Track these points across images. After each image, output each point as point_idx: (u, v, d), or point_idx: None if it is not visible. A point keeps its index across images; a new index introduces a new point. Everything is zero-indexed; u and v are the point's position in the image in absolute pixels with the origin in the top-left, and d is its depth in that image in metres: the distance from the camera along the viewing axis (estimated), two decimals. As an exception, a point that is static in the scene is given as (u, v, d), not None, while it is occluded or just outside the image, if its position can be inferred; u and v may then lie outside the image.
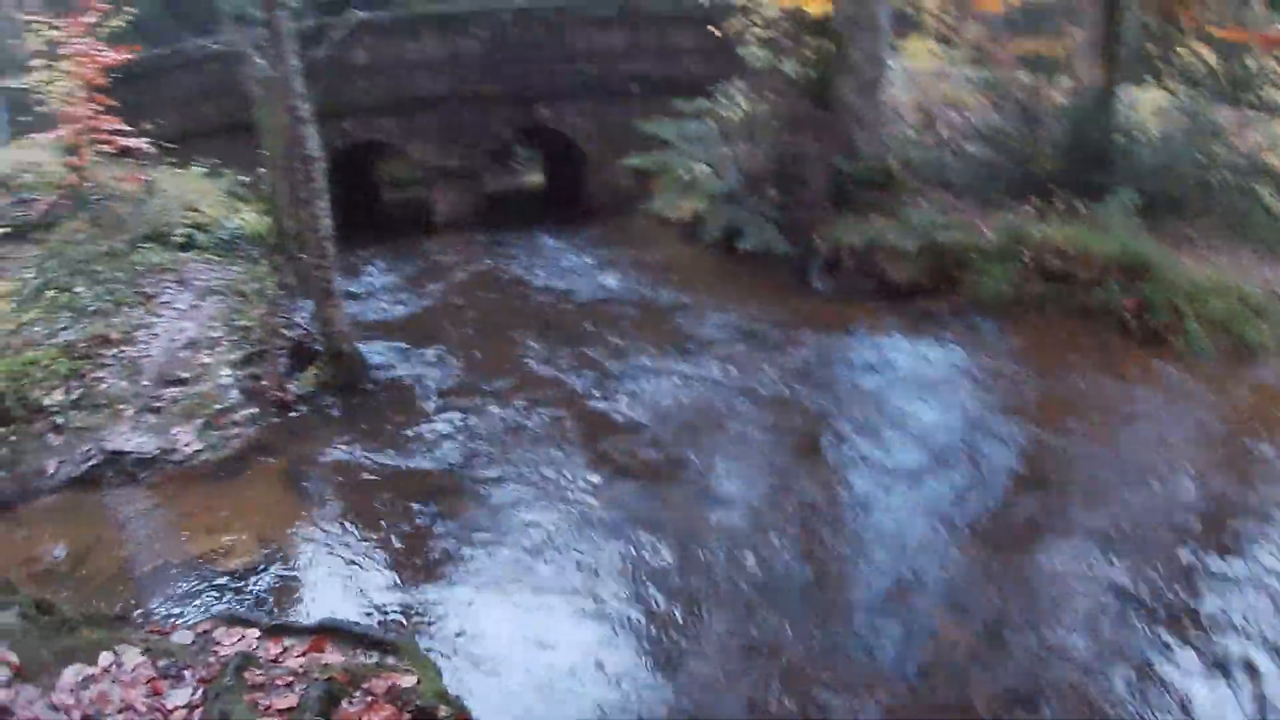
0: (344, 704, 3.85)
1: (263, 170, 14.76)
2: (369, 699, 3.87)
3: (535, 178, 25.50)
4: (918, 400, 8.51)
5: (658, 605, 5.71)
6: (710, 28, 16.10)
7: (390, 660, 4.31)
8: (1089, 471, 7.21)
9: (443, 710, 3.74)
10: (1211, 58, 16.85)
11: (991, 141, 13.40)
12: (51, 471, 8.14)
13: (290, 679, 4.10)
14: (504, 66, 18.37)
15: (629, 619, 5.59)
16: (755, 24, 13.38)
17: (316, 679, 4.02)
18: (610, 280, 13.09)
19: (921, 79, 16.41)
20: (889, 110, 14.61)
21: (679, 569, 6.10)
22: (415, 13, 19.84)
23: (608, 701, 4.91)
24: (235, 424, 8.74)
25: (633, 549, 6.32)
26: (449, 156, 18.50)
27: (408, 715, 3.70)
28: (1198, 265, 10.48)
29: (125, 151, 14.15)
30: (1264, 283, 10.22)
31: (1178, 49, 17.02)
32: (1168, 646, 5.14)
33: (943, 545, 6.23)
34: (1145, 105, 14.00)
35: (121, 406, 8.90)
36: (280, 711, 3.80)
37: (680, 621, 5.56)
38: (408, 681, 3.98)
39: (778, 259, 12.08)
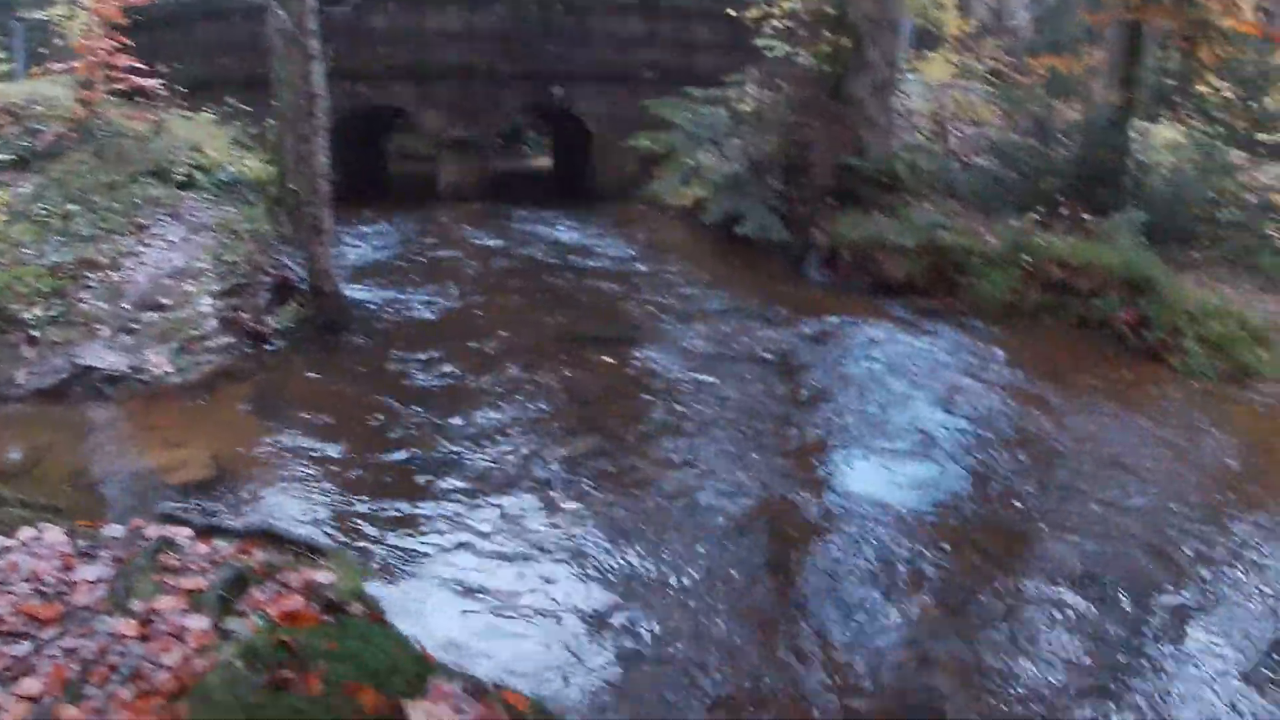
0: (253, 590, 3.72)
1: (272, 121, 14.78)
2: (280, 588, 3.75)
3: (543, 161, 25.46)
4: (901, 386, 8.40)
5: (613, 546, 5.64)
6: (728, 16, 16.11)
7: (314, 560, 4.18)
8: (1066, 469, 7.10)
9: (355, 606, 3.60)
10: (1230, 95, 16.80)
11: (1002, 155, 13.32)
12: (20, 381, 8.14)
13: (206, 566, 3.98)
14: (521, 45, 18.28)
15: (578, 558, 5.50)
16: (774, 15, 13.26)
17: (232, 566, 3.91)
18: (605, 254, 12.97)
19: (937, 91, 16.36)
20: (901, 114, 14.53)
21: (638, 512, 6.05)
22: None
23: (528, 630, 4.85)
24: (209, 350, 8.73)
25: (593, 500, 6.23)
26: (460, 128, 18.36)
27: (317, 606, 3.57)
28: (1200, 290, 10.39)
29: (139, 92, 14.17)
30: (1267, 314, 10.11)
31: (1197, 85, 16.96)
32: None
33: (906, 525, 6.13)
34: (1160, 139, 13.96)
35: (98, 326, 8.90)
36: (185, 591, 3.70)
37: (632, 558, 5.49)
38: (325, 578, 3.86)
39: (776, 248, 11.99)
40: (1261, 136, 15.78)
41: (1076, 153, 12.70)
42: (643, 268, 12.23)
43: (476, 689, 2.79)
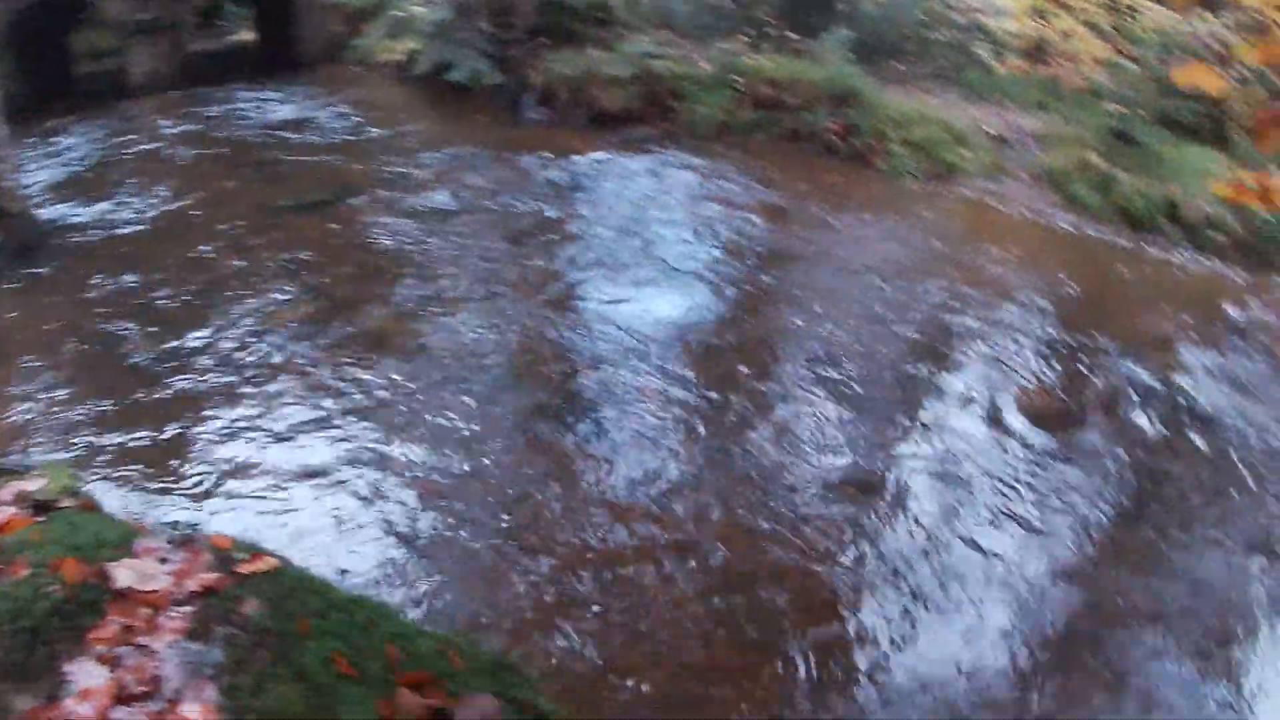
0: (-33, 519, 3.50)
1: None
2: (-9, 507, 3.54)
3: (247, 36, 23.95)
4: (628, 209, 8.78)
5: (369, 408, 5.67)
6: None
7: (26, 475, 3.95)
8: (801, 257, 7.86)
9: (66, 502, 3.42)
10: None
11: (719, -15, 13.48)
12: None
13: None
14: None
15: (340, 430, 5.48)
16: None
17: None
18: (318, 124, 12.32)
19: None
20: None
21: (391, 372, 6.02)
22: None
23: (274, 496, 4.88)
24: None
25: (343, 370, 6.12)
26: (148, 10, 16.77)
27: (28, 510, 3.37)
28: (907, 100, 11.08)
29: None
30: (969, 119, 10.89)
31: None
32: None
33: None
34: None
35: None
36: (-104, 539, 3.43)
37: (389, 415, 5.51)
38: (34, 485, 3.64)
39: (491, 92, 11.82)
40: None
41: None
42: (358, 131, 11.75)
43: (183, 540, 2.71)
